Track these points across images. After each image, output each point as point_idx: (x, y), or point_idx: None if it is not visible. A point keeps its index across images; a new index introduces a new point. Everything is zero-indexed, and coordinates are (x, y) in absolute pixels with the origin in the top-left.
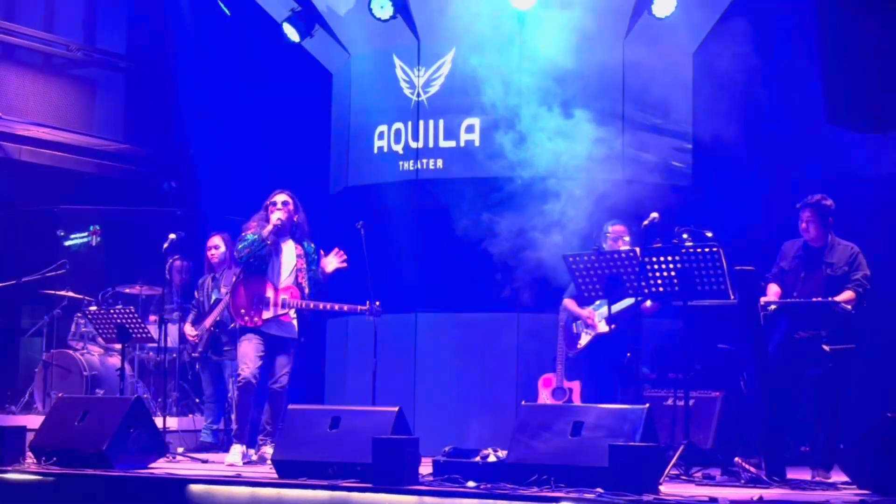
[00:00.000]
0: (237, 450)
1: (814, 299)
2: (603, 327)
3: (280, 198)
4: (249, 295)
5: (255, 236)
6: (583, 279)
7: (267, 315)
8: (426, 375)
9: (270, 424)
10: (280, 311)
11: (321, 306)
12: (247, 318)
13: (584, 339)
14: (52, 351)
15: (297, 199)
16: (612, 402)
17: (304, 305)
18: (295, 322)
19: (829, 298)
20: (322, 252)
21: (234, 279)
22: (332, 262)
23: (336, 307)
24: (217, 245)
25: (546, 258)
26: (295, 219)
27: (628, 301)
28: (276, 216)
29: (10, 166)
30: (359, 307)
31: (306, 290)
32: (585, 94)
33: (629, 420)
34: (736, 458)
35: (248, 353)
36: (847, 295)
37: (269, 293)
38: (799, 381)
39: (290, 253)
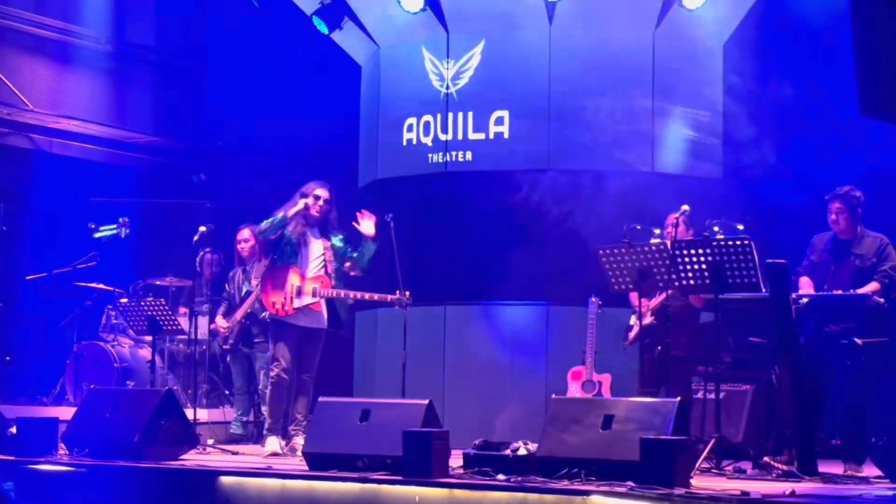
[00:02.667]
0: (274, 441)
1: (846, 292)
2: (648, 319)
3: (318, 192)
4: (279, 284)
5: (281, 215)
6: (613, 272)
7: (298, 304)
8: (455, 367)
9: (301, 415)
10: (311, 300)
11: (352, 295)
12: (277, 306)
13: (634, 332)
14: (83, 342)
15: (332, 194)
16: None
17: (334, 294)
18: (324, 311)
19: (853, 291)
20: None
21: (263, 270)
22: (366, 225)
23: (366, 296)
24: (247, 238)
25: (576, 250)
26: (330, 217)
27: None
28: (303, 202)
29: (41, 158)
30: (389, 297)
31: (333, 282)
32: (615, 86)
33: (660, 413)
34: (765, 458)
35: (281, 349)
36: (871, 286)
37: (299, 282)
38: (831, 375)
39: (318, 244)
